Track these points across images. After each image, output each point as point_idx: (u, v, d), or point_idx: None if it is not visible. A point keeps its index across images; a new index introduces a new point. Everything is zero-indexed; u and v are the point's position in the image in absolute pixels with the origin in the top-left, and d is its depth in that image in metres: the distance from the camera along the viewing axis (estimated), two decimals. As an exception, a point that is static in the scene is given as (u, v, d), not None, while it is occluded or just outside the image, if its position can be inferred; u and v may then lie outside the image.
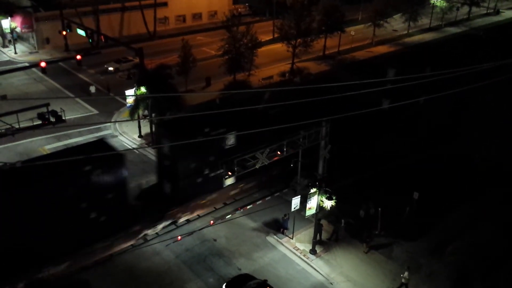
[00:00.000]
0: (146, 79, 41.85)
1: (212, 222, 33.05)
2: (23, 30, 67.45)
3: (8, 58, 64.64)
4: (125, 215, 30.07)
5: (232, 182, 34.91)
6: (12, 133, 33.19)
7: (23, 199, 25.72)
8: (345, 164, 38.09)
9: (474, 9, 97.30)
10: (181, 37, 55.75)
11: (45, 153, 39.49)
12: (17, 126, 32.97)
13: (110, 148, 30.59)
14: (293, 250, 31.01)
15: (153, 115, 41.31)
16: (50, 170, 26.01)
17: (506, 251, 31.31)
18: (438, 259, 30.55)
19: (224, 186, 34.66)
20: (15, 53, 65.93)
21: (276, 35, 68.94)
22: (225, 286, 27.07)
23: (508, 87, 48.84)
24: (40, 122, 34.47)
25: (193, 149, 30.83)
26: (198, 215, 33.63)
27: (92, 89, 52.56)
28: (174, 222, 32.35)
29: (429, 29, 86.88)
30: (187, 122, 33.81)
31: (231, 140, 33.23)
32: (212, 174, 33.29)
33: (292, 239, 31.94)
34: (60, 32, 63.58)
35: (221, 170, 32.90)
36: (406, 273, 27.91)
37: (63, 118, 35.60)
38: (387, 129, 44.97)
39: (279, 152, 31.29)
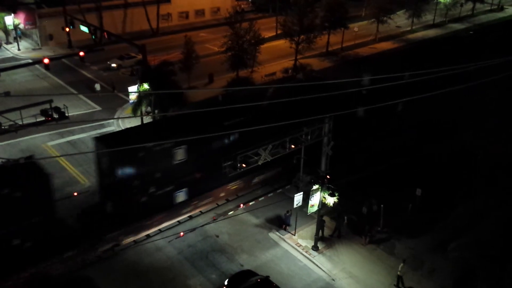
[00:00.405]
0: (149, 75, 41.93)
1: (214, 218, 33.12)
2: (26, 27, 67.57)
3: (11, 55, 64.80)
4: (56, 239, 27.17)
5: (184, 199, 32.04)
6: (15, 130, 33.18)
7: None
8: (348, 160, 38.04)
9: (478, 5, 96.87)
10: (184, 34, 55.74)
11: (48, 149, 39.63)
12: (20, 123, 32.97)
13: (36, 168, 27.62)
14: (295, 247, 31.06)
15: (156, 111, 41.37)
16: None
17: (508, 250, 31.21)
18: (441, 256, 30.54)
19: (175, 203, 31.73)
20: (19, 49, 66.06)
21: (279, 32, 68.86)
22: (227, 282, 27.13)
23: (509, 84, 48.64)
24: (43, 118, 34.48)
25: (136, 165, 28.62)
26: (200, 211, 33.70)
27: (97, 87, 52.59)
28: (116, 245, 29.84)
29: (433, 26, 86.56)
30: (129, 137, 31.28)
31: (180, 154, 30.41)
32: (159, 192, 30.41)
33: (294, 235, 31.98)
34: (63, 29, 63.51)
35: (170, 187, 30.70)
36: (401, 265, 28.04)
37: (66, 114, 35.57)
38: (389, 127, 44.85)
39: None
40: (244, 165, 29.27)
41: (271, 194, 36.08)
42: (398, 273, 28.11)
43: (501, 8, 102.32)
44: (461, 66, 28.04)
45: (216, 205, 34.49)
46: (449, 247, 31.29)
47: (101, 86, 53.84)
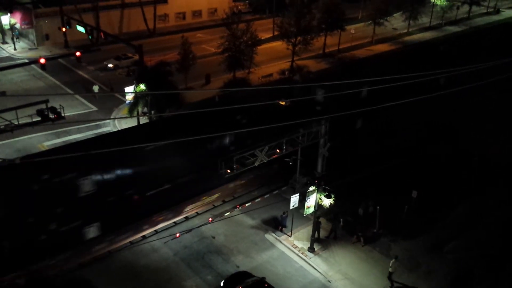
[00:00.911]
0: (146, 76, 41.87)
1: (210, 219, 33.06)
2: (22, 27, 67.28)
3: (7, 54, 64.52)
4: None
5: (96, 234, 28.56)
6: (11, 130, 33.10)
7: None
8: (344, 162, 38.07)
9: (474, 8, 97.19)
10: (181, 34, 55.66)
11: (44, 149, 39.43)
12: (16, 123, 32.89)
13: None
14: (291, 248, 31.04)
15: (152, 112, 41.32)
16: None
17: (506, 250, 31.32)
18: (437, 257, 30.59)
19: (84, 240, 28.31)
20: (15, 49, 65.79)
21: (276, 33, 68.74)
22: (223, 283, 27.10)
23: (508, 86, 48.83)
24: (39, 118, 34.36)
25: (31, 200, 25.31)
26: (196, 212, 33.64)
27: (96, 88, 52.03)
28: None
29: (429, 28, 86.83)
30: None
31: (87, 186, 27.08)
32: (64, 228, 26.94)
33: (291, 237, 31.96)
34: (60, 29, 63.44)
35: (78, 222, 27.27)
36: (392, 261, 28.30)
37: (62, 114, 35.49)
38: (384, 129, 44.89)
39: (278, 150, 31.18)
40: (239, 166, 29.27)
41: (268, 195, 36.05)
42: (390, 269, 28.39)
43: (497, 11, 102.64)
44: (459, 68, 28.13)
45: (213, 206, 34.45)
46: (446, 248, 31.37)
47: (100, 87, 53.59)
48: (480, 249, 31.18)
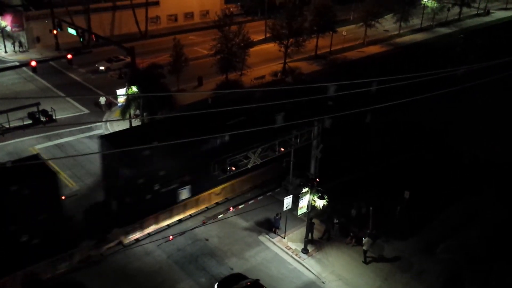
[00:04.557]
0: (138, 78, 41.74)
1: (204, 221, 33.01)
2: (13, 29, 66.94)
3: (-2, 57, 64.18)
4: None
5: None
6: (2, 133, 33.02)
7: None
8: (337, 163, 38.17)
9: (465, 9, 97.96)
10: (173, 37, 55.55)
11: (35, 152, 39.23)
12: (7, 126, 32.77)
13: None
14: (285, 250, 31.05)
15: (144, 114, 41.21)
16: None
17: (498, 250, 31.51)
18: (429, 258, 30.73)
19: None
20: (5, 52, 65.40)
21: (268, 35, 69.02)
22: (217, 285, 27.04)
23: (499, 87, 49.19)
24: (30, 121, 34.22)
25: None
26: (190, 214, 33.56)
27: (102, 100, 50.21)
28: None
29: (420, 30, 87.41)
30: None
31: None
32: None
33: (284, 238, 31.97)
34: (51, 31, 63.13)
35: None
36: (366, 239, 29.10)
37: (54, 117, 35.37)
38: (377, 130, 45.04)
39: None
40: (233, 168, 29.32)
41: (261, 197, 36.02)
42: (364, 247, 29.37)
43: (487, 13, 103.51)
44: (449, 70, 28.33)
45: (206, 209, 34.38)
46: (438, 249, 31.50)
47: (89, 89, 53.26)
48: (472, 249, 31.33)
